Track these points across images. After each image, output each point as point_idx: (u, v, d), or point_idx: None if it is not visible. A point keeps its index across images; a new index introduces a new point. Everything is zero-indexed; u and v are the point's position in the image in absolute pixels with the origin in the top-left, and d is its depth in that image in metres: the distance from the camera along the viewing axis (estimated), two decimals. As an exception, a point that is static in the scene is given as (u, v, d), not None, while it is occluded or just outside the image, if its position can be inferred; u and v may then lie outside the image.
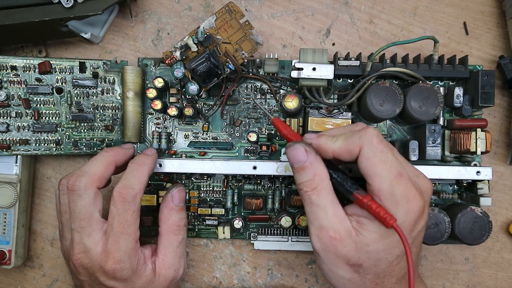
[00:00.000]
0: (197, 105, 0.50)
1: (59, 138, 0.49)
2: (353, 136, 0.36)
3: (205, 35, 0.45)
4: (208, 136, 0.51)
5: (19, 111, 0.49)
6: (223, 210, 0.50)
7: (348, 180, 0.37)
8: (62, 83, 0.49)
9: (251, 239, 0.50)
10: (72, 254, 0.42)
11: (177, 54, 0.46)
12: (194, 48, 0.46)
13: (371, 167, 0.35)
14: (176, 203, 0.45)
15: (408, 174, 0.35)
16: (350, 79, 0.50)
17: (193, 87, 0.46)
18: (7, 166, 0.49)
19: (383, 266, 0.35)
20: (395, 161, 0.35)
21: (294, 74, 0.47)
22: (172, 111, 0.48)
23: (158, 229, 0.45)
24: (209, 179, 0.51)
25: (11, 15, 0.46)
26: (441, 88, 0.49)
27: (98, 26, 0.51)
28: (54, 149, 0.49)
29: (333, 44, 0.53)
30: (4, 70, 0.48)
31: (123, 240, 0.40)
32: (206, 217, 0.50)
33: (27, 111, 0.49)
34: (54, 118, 0.49)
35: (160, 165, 0.46)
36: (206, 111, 0.50)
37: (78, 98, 0.49)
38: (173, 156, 0.50)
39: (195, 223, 0.51)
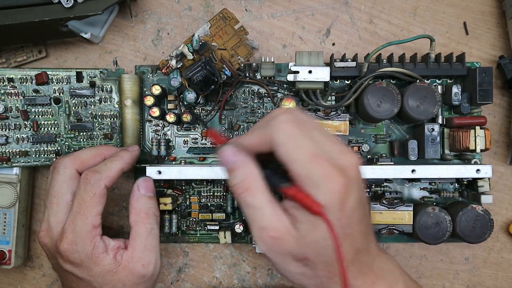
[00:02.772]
0: (195, 111, 0.51)
1: (59, 148, 0.49)
2: (264, 126, 0.35)
3: (200, 43, 0.45)
4: (207, 142, 0.51)
5: (17, 123, 0.49)
6: (224, 214, 0.50)
7: (276, 175, 0.36)
8: (59, 94, 0.49)
9: (253, 243, 0.50)
10: (38, 231, 0.43)
11: (173, 62, 0.46)
12: (189, 56, 0.46)
13: (285, 154, 0.33)
14: (143, 192, 0.44)
15: (325, 154, 0.33)
16: (347, 80, 0.50)
17: (190, 95, 0.46)
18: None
19: (328, 253, 0.34)
20: (309, 143, 0.33)
21: (290, 77, 0.46)
22: (170, 117, 0.48)
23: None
24: (209, 184, 0.51)
25: (11, 15, 0.46)
26: (439, 87, 0.49)
27: (98, 26, 0.51)
28: (54, 159, 0.49)
29: (333, 44, 0.52)
30: (1, 83, 0.48)
31: (78, 220, 0.40)
32: (207, 223, 0.51)
33: (26, 122, 0.49)
34: (53, 128, 0.49)
35: (160, 172, 0.46)
36: (204, 117, 0.51)
37: (76, 107, 0.50)
38: (173, 162, 0.51)
39: (197, 228, 0.51)
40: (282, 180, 0.35)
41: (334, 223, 0.32)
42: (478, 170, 0.46)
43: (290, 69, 0.46)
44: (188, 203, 0.51)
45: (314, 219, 0.34)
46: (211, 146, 0.51)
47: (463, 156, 0.49)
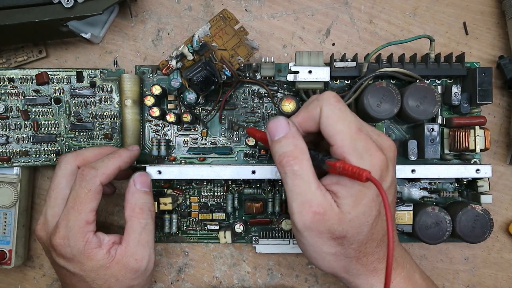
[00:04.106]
0: (195, 111, 0.51)
1: (59, 148, 0.49)
2: (312, 102, 0.37)
3: (201, 43, 0.45)
4: (207, 141, 0.51)
5: (18, 123, 0.49)
6: (224, 214, 0.50)
7: (320, 153, 0.37)
8: (60, 94, 0.49)
9: (253, 243, 0.50)
10: (36, 225, 0.44)
11: (173, 63, 0.46)
12: (190, 56, 0.46)
13: (331, 125, 0.35)
14: (139, 187, 0.44)
15: (367, 131, 0.36)
16: (347, 80, 0.50)
17: (190, 96, 0.47)
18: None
19: (365, 231, 0.35)
20: (354, 118, 0.35)
21: (290, 77, 0.47)
22: (171, 117, 0.48)
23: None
24: (209, 184, 0.51)
25: (11, 15, 0.46)
26: (439, 87, 0.49)
27: (98, 26, 0.51)
28: (54, 159, 0.49)
29: (333, 44, 0.53)
30: (2, 83, 0.48)
31: (71, 215, 0.41)
32: (207, 222, 0.51)
33: (26, 122, 0.49)
34: (53, 128, 0.49)
35: (160, 172, 0.46)
36: (205, 117, 0.51)
37: (77, 107, 0.50)
38: (173, 162, 0.51)
39: (197, 228, 0.51)
40: (328, 157, 0.36)
41: (372, 199, 0.34)
42: (477, 170, 0.46)
43: (290, 69, 0.46)
44: (188, 203, 0.51)
45: (357, 193, 0.34)
46: (211, 146, 0.51)
47: (463, 156, 0.49)
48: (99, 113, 0.50)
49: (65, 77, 0.49)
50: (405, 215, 0.47)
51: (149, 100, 0.48)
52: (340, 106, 0.36)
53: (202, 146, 0.51)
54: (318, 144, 0.41)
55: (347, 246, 0.36)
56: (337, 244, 0.36)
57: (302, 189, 0.35)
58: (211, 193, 0.51)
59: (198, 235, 0.52)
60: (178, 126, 0.51)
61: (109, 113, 0.50)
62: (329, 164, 0.35)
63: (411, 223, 0.47)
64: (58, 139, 0.49)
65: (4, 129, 0.49)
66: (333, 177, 0.36)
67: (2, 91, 0.49)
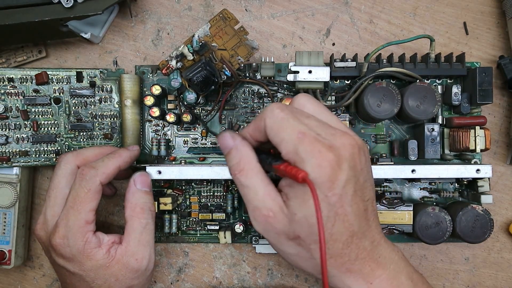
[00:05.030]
0: (195, 111, 0.51)
1: (59, 148, 0.49)
2: (258, 116, 0.37)
3: (200, 43, 0.45)
4: (207, 141, 0.51)
5: (17, 123, 0.49)
6: (224, 214, 0.50)
7: (270, 156, 0.38)
8: (59, 94, 0.49)
9: (253, 243, 0.50)
10: (36, 224, 0.44)
11: (173, 63, 0.46)
12: (190, 56, 0.46)
13: (275, 135, 0.35)
14: (139, 187, 0.44)
15: (314, 134, 0.34)
16: (347, 80, 0.50)
17: (190, 96, 0.46)
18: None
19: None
20: (297, 123, 0.35)
21: (290, 77, 0.47)
22: (170, 117, 0.48)
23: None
24: (209, 184, 0.51)
25: (11, 15, 0.46)
26: (439, 87, 0.49)
27: (98, 26, 0.51)
28: (54, 159, 0.49)
29: (333, 44, 0.52)
30: (1, 83, 0.48)
31: (71, 215, 0.41)
32: (207, 222, 0.51)
33: (26, 122, 0.49)
34: (53, 128, 0.49)
35: (160, 172, 0.46)
36: (204, 117, 0.51)
37: (76, 107, 0.50)
38: (173, 162, 0.51)
39: (197, 228, 0.51)
40: (274, 160, 0.36)
41: (321, 199, 0.33)
42: (478, 170, 0.46)
43: (290, 69, 0.46)
44: (188, 203, 0.51)
45: (302, 194, 0.34)
46: (211, 146, 0.51)
47: (463, 156, 0.49)
48: (99, 113, 0.50)
49: (65, 77, 0.49)
50: (405, 215, 0.47)
51: (149, 100, 0.48)
52: (282, 115, 0.35)
53: (202, 146, 0.51)
54: None
55: (306, 247, 0.36)
56: (296, 244, 0.36)
57: (250, 197, 0.37)
58: (211, 193, 0.51)
59: (198, 235, 0.52)
60: (178, 126, 0.51)
61: (109, 113, 0.50)
62: (274, 168, 0.36)
63: (411, 223, 0.47)
64: (57, 139, 0.49)
65: (3, 129, 0.49)
66: (287, 179, 0.36)
67: (2, 91, 0.48)
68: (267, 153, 0.38)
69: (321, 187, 0.33)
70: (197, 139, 0.51)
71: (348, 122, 0.48)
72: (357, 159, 0.35)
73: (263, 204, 0.36)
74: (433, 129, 0.47)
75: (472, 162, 0.49)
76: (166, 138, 0.51)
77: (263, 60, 0.49)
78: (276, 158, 0.37)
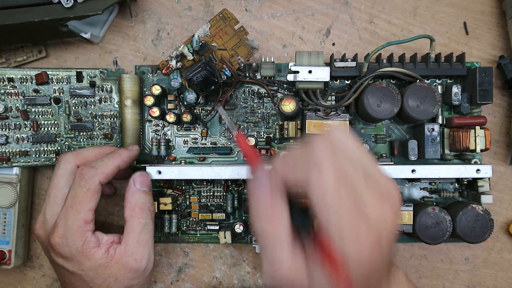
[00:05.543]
0: (195, 111, 0.51)
1: (59, 148, 0.49)
2: (302, 162, 0.32)
3: (200, 43, 0.45)
4: (207, 141, 0.51)
5: (17, 123, 0.49)
6: (224, 214, 0.50)
7: (303, 216, 0.33)
8: (59, 94, 0.49)
9: (253, 243, 0.50)
10: (35, 224, 0.44)
11: (173, 63, 0.46)
12: (189, 56, 0.46)
13: (318, 209, 0.31)
14: (138, 187, 0.44)
15: (359, 207, 0.30)
16: (347, 80, 0.50)
17: (190, 96, 0.46)
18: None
19: None
20: (344, 200, 0.30)
21: (290, 77, 0.46)
22: (170, 117, 0.48)
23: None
24: (209, 184, 0.51)
25: (11, 15, 0.46)
26: (439, 87, 0.49)
27: (98, 26, 0.51)
28: (54, 159, 0.49)
29: (333, 44, 0.52)
30: (1, 83, 0.48)
31: (70, 215, 0.41)
32: (207, 223, 0.51)
33: (26, 122, 0.49)
34: (53, 128, 0.49)
35: (160, 172, 0.46)
36: (204, 117, 0.51)
37: (76, 107, 0.50)
38: (173, 162, 0.51)
39: (197, 228, 0.51)
40: (308, 224, 0.33)
41: (352, 277, 0.30)
42: (478, 170, 0.46)
43: (290, 69, 0.46)
44: (188, 203, 0.51)
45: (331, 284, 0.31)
46: (211, 146, 0.51)
47: (463, 156, 0.49)
48: (99, 113, 0.50)
49: (65, 77, 0.49)
50: (405, 215, 0.47)
51: (149, 100, 0.48)
52: (333, 186, 0.30)
53: (202, 146, 0.51)
54: None
55: None
56: None
57: (274, 250, 0.32)
58: (211, 193, 0.51)
59: (198, 235, 0.52)
60: (178, 126, 0.51)
61: (109, 113, 0.50)
62: (313, 248, 0.32)
63: (411, 223, 0.47)
64: (57, 139, 0.49)
65: (3, 129, 0.49)
66: (317, 248, 0.32)
67: (2, 91, 0.48)
68: (301, 212, 0.33)
69: (353, 265, 0.30)
70: (197, 139, 0.51)
71: (348, 122, 0.48)
72: (392, 227, 0.31)
73: (286, 262, 0.32)
74: (433, 129, 0.47)
75: (472, 162, 0.49)
76: (166, 138, 0.51)
77: (263, 60, 0.49)
78: (308, 220, 0.33)
